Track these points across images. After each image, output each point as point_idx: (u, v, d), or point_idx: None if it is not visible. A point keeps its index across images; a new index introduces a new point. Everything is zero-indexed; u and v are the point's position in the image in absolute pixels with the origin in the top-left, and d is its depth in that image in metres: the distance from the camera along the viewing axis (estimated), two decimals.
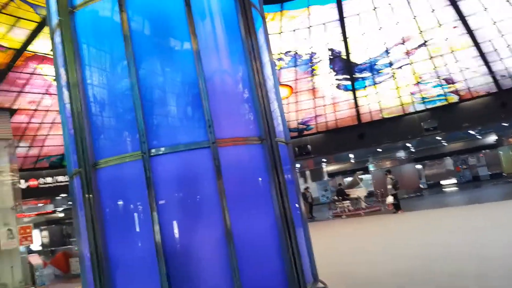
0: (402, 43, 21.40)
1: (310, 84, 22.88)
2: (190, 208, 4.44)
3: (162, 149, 4.48)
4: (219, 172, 4.48)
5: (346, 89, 23.21)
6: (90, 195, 4.55)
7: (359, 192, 18.69)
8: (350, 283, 5.57)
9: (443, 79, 21.68)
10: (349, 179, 23.60)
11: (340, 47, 21.66)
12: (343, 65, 22.43)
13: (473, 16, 19.33)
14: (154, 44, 4.82)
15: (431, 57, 21.26)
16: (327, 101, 23.44)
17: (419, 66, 21.82)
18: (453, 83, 21.53)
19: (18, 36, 11.46)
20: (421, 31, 20.45)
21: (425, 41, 21.05)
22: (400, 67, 22.17)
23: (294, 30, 20.36)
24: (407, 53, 21.56)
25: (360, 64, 22.44)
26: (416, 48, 21.47)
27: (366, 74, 22.63)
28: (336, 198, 19.33)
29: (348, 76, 22.62)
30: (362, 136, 23.09)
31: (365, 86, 23.01)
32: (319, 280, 5.50)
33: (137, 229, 4.42)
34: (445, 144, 31.30)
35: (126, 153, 4.54)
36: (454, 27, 20.10)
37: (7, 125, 11.68)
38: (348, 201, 18.41)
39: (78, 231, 4.99)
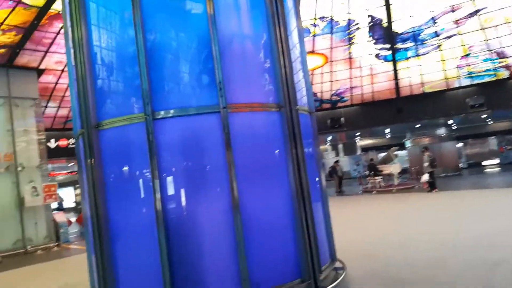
0: (451, 11, 19.56)
1: (347, 53, 21.60)
2: (196, 177, 4.07)
3: (168, 111, 4.09)
4: (228, 140, 4.05)
5: (385, 59, 21.77)
6: (92, 158, 4.30)
7: (393, 168, 17.87)
8: (369, 266, 5.10)
9: (494, 53, 19.81)
10: (383, 154, 22.63)
11: (381, 14, 20.08)
12: (384, 33, 20.88)
13: None
14: (163, 2, 4.36)
15: (483, 28, 19.37)
16: (364, 72, 22.15)
17: (468, 37, 19.98)
18: (504, 57, 19.64)
19: None
20: None
21: (477, 10, 19.12)
22: (447, 38, 20.41)
23: None
24: (456, 22, 19.74)
25: (403, 33, 20.81)
26: (466, 18, 19.59)
27: (409, 44, 21.02)
28: (367, 173, 18.67)
29: (389, 46, 21.12)
30: (400, 111, 21.87)
31: (407, 57, 21.46)
32: (337, 260, 5.08)
33: (139, 196, 4.14)
34: (490, 122, 29.33)
35: (130, 115, 4.19)
36: None
37: (34, 85, 11.73)
38: (380, 177, 17.72)
39: (82, 193, 4.79)
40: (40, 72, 11.88)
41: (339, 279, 4.49)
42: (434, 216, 9.09)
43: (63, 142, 17.32)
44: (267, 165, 4.38)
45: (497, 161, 29.99)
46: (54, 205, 14.07)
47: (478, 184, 16.58)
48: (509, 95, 19.80)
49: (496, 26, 18.85)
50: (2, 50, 11.29)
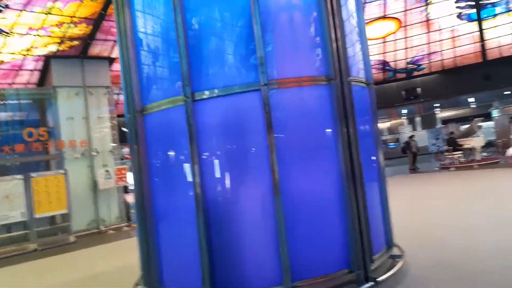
0: None
1: (424, 15, 19.63)
2: (236, 160, 3.87)
3: (207, 92, 3.90)
4: (269, 120, 3.77)
5: (469, 19, 19.41)
6: (137, 143, 4.32)
7: (475, 141, 16.09)
8: (434, 253, 4.56)
9: None
10: (466, 126, 20.53)
11: None
12: None
13: None
14: None
15: None
16: (445, 35, 20.01)
17: None
18: None
19: None
20: None
21: None
22: None
23: None
24: None
25: None
26: None
27: None
28: (446, 148, 17.08)
29: (473, 3, 18.74)
30: (487, 77, 19.57)
31: (495, 15, 18.93)
32: (394, 245, 4.61)
33: (181, 180, 4.04)
34: None
35: (171, 98, 4.09)
36: None
37: (106, 73, 12.39)
38: (460, 152, 16.10)
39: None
40: (111, 60, 12.52)
41: (394, 269, 4.04)
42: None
43: None
44: (315, 145, 4.03)
45: None
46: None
47: None
48: None
49: None
50: (76, 43, 12.02)
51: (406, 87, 21.12)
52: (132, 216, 10.89)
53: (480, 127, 17.39)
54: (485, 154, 18.32)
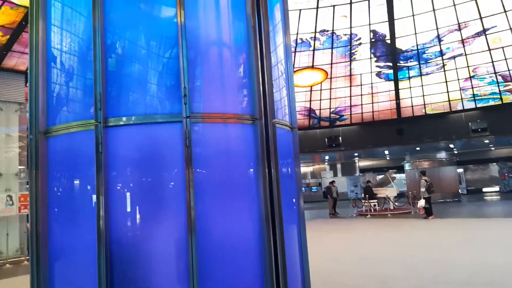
0: (458, 30, 19.21)
1: (347, 69, 21.25)
2: (149, 194, 3.54)
3: (124, 119, 3.59)
4: (189, 154, 3.53)
5: (387, 78, 21.41)
6: (37, 168, 3.82)
7: (389, 191, 17.25)
8: None
9: (500, 75, 19.40)
10: (381, 176, 22.01)
11: (384, 30, 19.76)
12: (387, 50, 20.54)
13: None
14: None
15: (490, 49, 18.97)
16: (365, 90, 21.76)
17: (474, 58, 19.59)
18: (511, 80, 19.22)
19: None
20: (482, 17, 18.13)
21: (485, 30, 18.75)
22: (453, 58, 20.03)
23: (333, 6, 18.56)
24: (462, 42, 19.38)
25: (406, 51, 20.48)
26: (473, 37, 19.23)
27: (412, 63, 20.66)
28: (363, 195, 18.05)
29: (391, 64, 20.75)
30: (400, 132, 21.39)
31: (409, 77, 21.09)
32: None
33: (83, 213, 3.60)
34: (492, 148, 28.78)
35: (80, 121, 3.71)
36: None
37: (21, 89, 11.39)
38: (375, 200, 17.10)
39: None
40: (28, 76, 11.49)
41: None
42: (427, 246, 8.49)
43: None
44: (236, 184, 3.86)
45: (497, 188, 29.31)
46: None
47: (477, 213, 15.94)
48: None
49: (502, 48, 18.48)
50: None
51: (328, 135, 22.29)
52: None
53: (393, 178, 18.70)
54: (397, 204, 19.63)
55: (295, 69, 17.59)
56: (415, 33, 19.42)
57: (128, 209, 3.50)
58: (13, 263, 9.31)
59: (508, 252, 7.00)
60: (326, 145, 22.08)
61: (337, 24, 19.25)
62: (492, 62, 19.14)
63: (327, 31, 19.51)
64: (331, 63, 20.76)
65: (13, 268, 8.88)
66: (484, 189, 29.32)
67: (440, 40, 19.58)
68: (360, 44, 20.40)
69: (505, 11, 17.46)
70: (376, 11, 18.69)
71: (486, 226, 11.38)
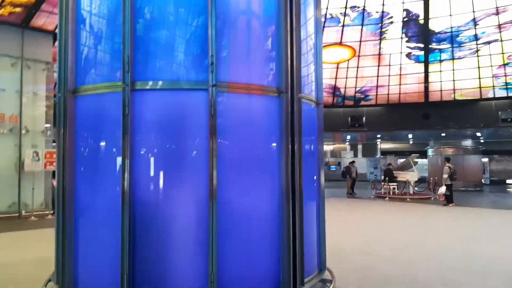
0: (496, 14, 18.24)
1: (377, 48, 20.59)
2: (172, 160, 3.58)
3: (150, 83, 3.60)
4: (213, 123, 3.53)
5: (417, 60, 20.68)
6: (65, 126, 3.90)
7: (410, 175, 16.99)
8: (363, 281, 4.55)
9: None
10: (402, 160, 21.66)
11: (418, 9, 18.92)
12: (419, 31, 19.73)
13: None
14: None
15: None
16: (393, 71, 21.12)
17: (510, 45, 18.67)
18: None
19: None
20: None
21: None
22: (487, 43, 19.15)
23: None
24: (499, 27, 18.44)
25: (439, 33, 19.64)
26: (511, 22, 18.27)
27: (445, 45, 19.85)
28: (383, 178, 17.88)
29: (423, 45, 19.98)
30: (427, 116, 20.81)
31: (441, 60, 20.32)
32: (326, 269, 4.54)
33: (109, 173, 3.68)
34: None
35: (108, 82, 3.74)
36: None
37: (49, 49, 11.49)
38: (395, 184, 16.90)
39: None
40: (56, 36, 11.59)
41: None
42: (444, 232, 8.40)
43: None
44: (258, 157, 3.85)
45: None
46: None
47: (499, 204, 15.58)
48: None
49: None
50: (18, 9, 11.02)
51: (352, 114, 21.91)
52: None
53: (416, 162, 18.37)
54: (417, 188, 19.38)
55: (324, 44, 17.17)
56: (450, 15, 18.55)
57: (152, 173, 3.55)
58: (38, 216, 9.69)
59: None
60: (348, 125, 21.76)
61: (369, 0, 18.54)
62: None
63: (358, 7, 18.84)
64: (360, 41, 20.13)
65: (38, 220, 9.24)
66: (508, 181, 28.60)
67: (475, 24, 18.67)
68: (391, 22, 19.64)
69: None
70: None
71: (507, 217, 11.14)
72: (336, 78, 21.43)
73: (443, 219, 10.82)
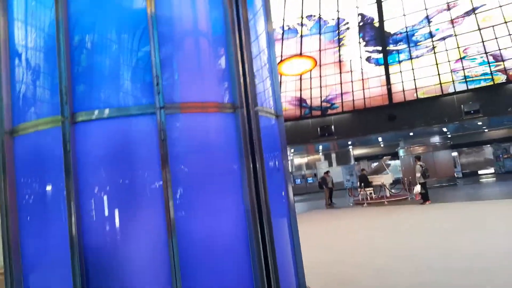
0: (447, 10, 18.92)
1: (337, 55, 20.94)
2: (124, 195, 3.26)
3: (94, 113, 3.31)
4: (164, 149, 3.26)
5: (377, 63, 21.15)
6: (4, 171, 3.55)
7: (384, 179, 17.10)
8: None
9: (491, 55, 19.21)
10: (376, 164, 21.85)
11: (372, 13, 19.43)
12: (375, 34, 20.24)
13: None
14: None
15: (480, 29, 18.74)
16: (355, 76, 21.49)
17: (464, 38, 19.34)
18: (502, 60, 19.05)
19: None
20: None
21: (475, 8, 18.47)
22: (442, 39, 19.78)
23: None
24: (452, 22, 19.11)
25: (395, 34, 20.20)
26: (462, 16, 18.98)
27: (402, 46, 20.40)
28: (358, 184, 17.92)
29: (381, 48, 20.47)
30: (393, 118, 21.20)
31: (400, 61, 20.85)
32: (306, 287, 4.28)
33: (55, 219, 3.33)
34: (486, 130, 28.74)
35: (46, 117, 3.43)
36: None
37: None
38: (371, 188, 16.94)
39: None
40: None
41: None
42: (423, 233, 8.32)
43: None
44: (218, 179, 3.60)
45: (492, 170, 29.34)
46: None
47: (473, 196, 15.84)
48: (506, 101, 19.20)
49: (492, 26, 18.27)
50: None
51: (321, 125, 22.04)
52: None
53: (388, 165, 18.54)
54: (393, 190, 19.50)
55: (283, 58, 17.28)
56: (404, 15, 19.12)
57: (103, 213, 3.23)
58: None
59: (506, 235, 6.84)
60: (318, 135, 21.85)
61: (324, 8, 18.89)
62: (483, 41, 18.94)
63: (314, 15, 19.15)
64: (320, 50, 20.43)
65: None
66: (480, 172, 29.35)
67: (429, 21, 19.32)
68: (348, 28, 20.09)
69: None
70: None
71: (482, 208, 11.26)
72: (301, 89, 21.60)
73: (420, 218, 10.81)
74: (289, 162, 33.10)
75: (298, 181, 31.51)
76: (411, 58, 20.71)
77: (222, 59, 3.93)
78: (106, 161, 3.33)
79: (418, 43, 20.28)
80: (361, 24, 19.62)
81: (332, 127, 21.92)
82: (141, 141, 3.37)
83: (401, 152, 25.18)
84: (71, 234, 3.12)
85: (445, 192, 18.02)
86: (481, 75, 19.99)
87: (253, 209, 3.57)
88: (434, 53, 20.30)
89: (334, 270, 5.51)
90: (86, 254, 3.15)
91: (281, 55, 17.93)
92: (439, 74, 20.80)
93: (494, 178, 25.32)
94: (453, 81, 20.70)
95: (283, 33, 19.26)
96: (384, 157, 19.12)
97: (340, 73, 21.32)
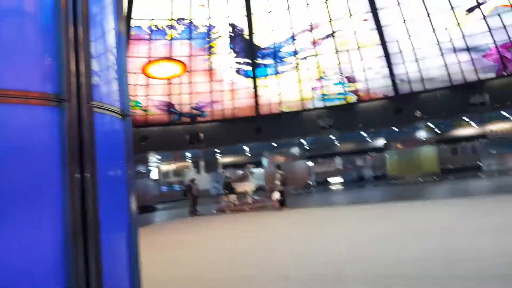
0: (310, 30, 20.54)
1: (207, 63, 20.88)
2: None
3: None
4: None
5: (246, 75, 21.78)
6: None
7: (247, 186, 17.56)
8: None
9: (346, 77, 21.53)
10: (241, 172, 22.40)
11: (242, 24, 19.95)
12: (245, 46, 20.82)
13: (385, 9, 19.15)
14: None
15: (337, 51, 20.85)
16: (225, 86, 21.74)
17: (324, 59, 21.27)
18: (354, 82, 21.51)
19: None
20: (331, 19, 19.73)
21: (334, 32, 20.48)
22: (305, 58, 21.40)
23: None
24: (314, 42, 20.83)
25: (264, 48, 21.12)
26: (323, 38, 20.86)
27: (269, 61, 21.42)
28: (224, 191, 18.03)
29: (250, 61, 21.13)
30: (259, 129, 22.04)
31: (267, 75, 21.85)
32: None
33: None
34: (337, 143, 32.14)
35: None
36: (365, 19, 19.85)
37: None
38: (234, 195, 17.17)
39: None
40: None
41: None
42: (277, 239, 8.54)
43: None
44: (28, 189, 2.82)
45: (340, 179, 32.89)
46: None
47: (323, 201, 17.32)
48: (356, 119, 21.72)
49: (348, 50, 20.42)
50: None
51: (190, 132, 21.63)
52: None
53: (252, 173, 19.08)
54: (256, 197, 20.12)
55: (151, 59, 16.36)
56: (272, 31, 20.08)
57: None
58: None
59: (350, 241, 7.37)
60: (188, 142, 21.37)
61: (195, 13, 18.63)
62: (339, 64, 21.08)
63: (185, 19, 18.72)
64: (190, 55, 20.07)
65: None
66: (329, 179, 32.69)
67: (294, 40, 20.68)
68: (219, 37, 20.20)
69: (350, 15, 19.33)
70: (234, 4, 18.68)
71: (332, 214, 12.25)
72: (170, 94, 20.87)
73: (277, 224, 11.19)
74: (156, 169, 31.79)
75: (164, 188, 30.55)
76: (276, 73, 21.87)
77: (48, 44, 3.16)
78: None
79: (284, 59, 21.53)
80: (232, 34, 19.92)
81: (201, 135, 21.70)
82: None
83: (264, 161, 26.39)
84: None
85: (301, 199, 19.35)
86: (337, 94, 22.25)
87: (74, 225, 2.88)
88: (298, 70, 21.82)
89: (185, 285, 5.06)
90: None
91: (149, 56, 16.98)
92: (301, 91, 22.42)
93: (342, 186, 28.39)
94: (313, 98, 22.54)
95: (151, 34, 18.33)
96: (248, 165, 19.66)
97: (211, 81, 21.28)
